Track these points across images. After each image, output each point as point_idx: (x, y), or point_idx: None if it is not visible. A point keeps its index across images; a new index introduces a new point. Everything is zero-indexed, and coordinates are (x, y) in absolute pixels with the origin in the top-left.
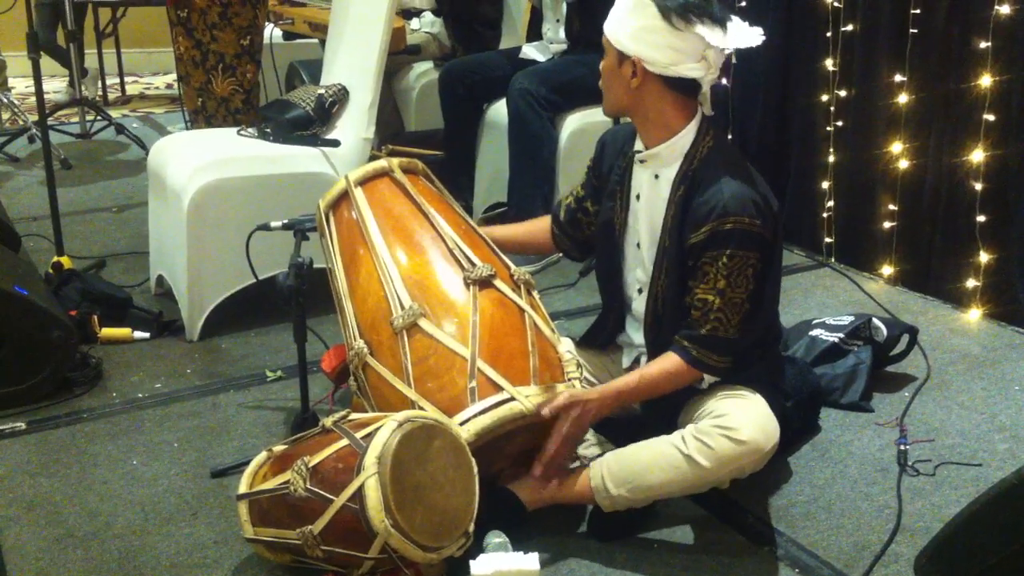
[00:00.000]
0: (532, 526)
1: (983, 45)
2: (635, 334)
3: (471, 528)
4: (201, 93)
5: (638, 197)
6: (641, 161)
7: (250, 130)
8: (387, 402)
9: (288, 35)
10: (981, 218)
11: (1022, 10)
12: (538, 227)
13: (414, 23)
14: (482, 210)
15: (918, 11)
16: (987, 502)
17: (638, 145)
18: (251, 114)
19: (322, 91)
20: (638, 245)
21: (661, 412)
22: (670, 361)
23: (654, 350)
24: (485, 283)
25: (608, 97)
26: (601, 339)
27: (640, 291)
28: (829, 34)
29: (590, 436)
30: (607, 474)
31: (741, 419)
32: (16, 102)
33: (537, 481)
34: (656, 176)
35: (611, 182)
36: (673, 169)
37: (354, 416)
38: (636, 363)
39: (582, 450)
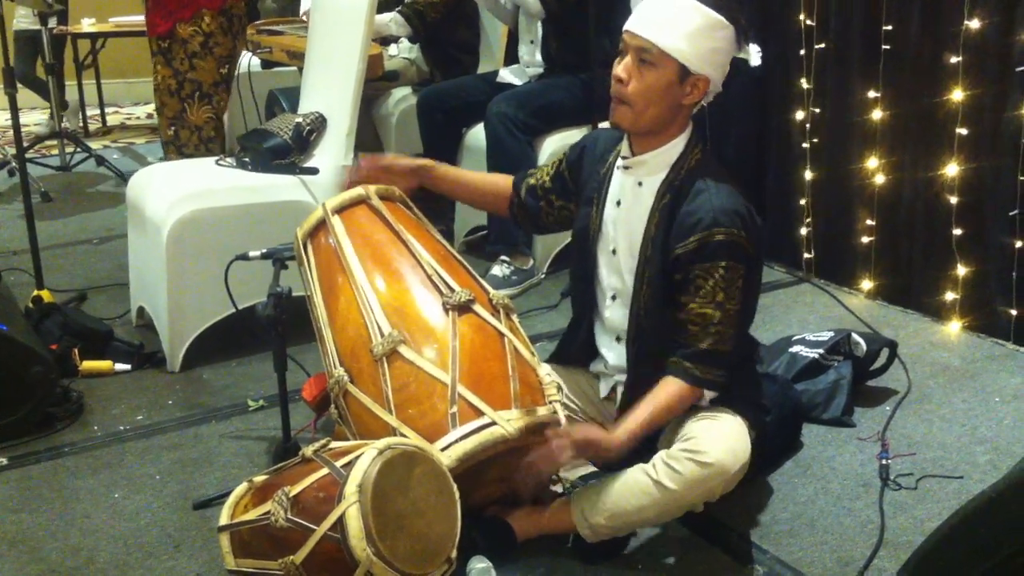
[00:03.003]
0: (516, 549)
1: (954, 60)
2: (606, 346)
3: (454, 554)
4: (174, 122)
5: (618, 203)
6: (626, 168)
7: (228, 160)
8: (368, 430)
9: (267, 63)
10: (958, 231)
11: (991, 24)
12: (499, 187)
13: (392, 49)
14: (462, 234)
15: (890, 27)
16: (965, 517)
17: (624, 151)
18: (219, 143)
19: (300, 119)
20: (613, 252)
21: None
22: (673, 389)
23: (637, 363)
24: (464, 308)
25: (646, 112)
26: (573, 349)
27: (614, 298)
28: (803, 52)
29: None
30: (586, 504)
31: (708, 442)
32: None
33: (524, 512)
34: (640, 183)
35: (588, 188)
36: (658, 178)
37: (334, 444)
38: (613, 391)
39: (565, 472)
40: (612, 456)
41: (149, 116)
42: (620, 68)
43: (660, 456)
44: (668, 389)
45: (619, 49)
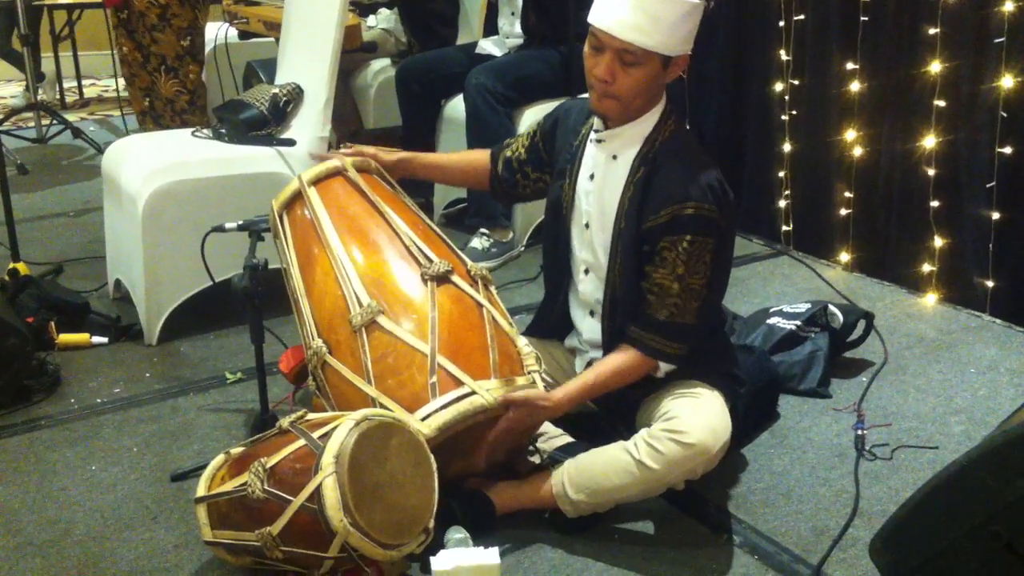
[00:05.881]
0: (495, 522)
1: (932, 32)
2: (581, 321)
3: (431, 524)
4: (148, 94)
5: (592, 177)
6: (599, 141)
7: (205, 131)
8: (347, 401)
9: (244, 34)
10: (934, 203)
11: None
12: (479, 163)
13: (371, 20)
14: (442, 207)
15: None
16: (937, 486)
17: (596, 124)
18: (197, 115)
19: (276, 90)
20: (586, 225)
21: (618, 410)
22: (624, 356)
23: (612, 339)
24: (442, 279)
25: (633, 104)
26: (549, 322)
27: (586, 272)
28: (781, 24)
29: (550, 428)
30: (567, 481)
31: (689, 422)
32: None
33: (504, 486)
34: (614, 157)
35: (561, 160)
36: (633, 151)
37: (311, 416)
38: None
39: (543, 443)
40: (544, 417)
41: (126, 88)
42: (602, 69)
43: (641, 435)
44: (619, 356)
45: (591, 43)
